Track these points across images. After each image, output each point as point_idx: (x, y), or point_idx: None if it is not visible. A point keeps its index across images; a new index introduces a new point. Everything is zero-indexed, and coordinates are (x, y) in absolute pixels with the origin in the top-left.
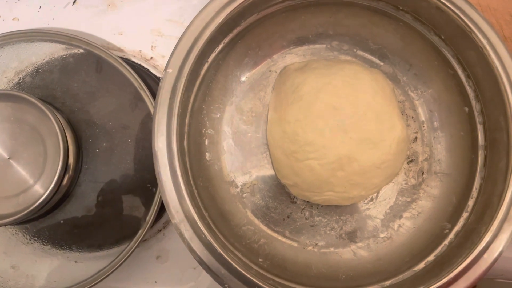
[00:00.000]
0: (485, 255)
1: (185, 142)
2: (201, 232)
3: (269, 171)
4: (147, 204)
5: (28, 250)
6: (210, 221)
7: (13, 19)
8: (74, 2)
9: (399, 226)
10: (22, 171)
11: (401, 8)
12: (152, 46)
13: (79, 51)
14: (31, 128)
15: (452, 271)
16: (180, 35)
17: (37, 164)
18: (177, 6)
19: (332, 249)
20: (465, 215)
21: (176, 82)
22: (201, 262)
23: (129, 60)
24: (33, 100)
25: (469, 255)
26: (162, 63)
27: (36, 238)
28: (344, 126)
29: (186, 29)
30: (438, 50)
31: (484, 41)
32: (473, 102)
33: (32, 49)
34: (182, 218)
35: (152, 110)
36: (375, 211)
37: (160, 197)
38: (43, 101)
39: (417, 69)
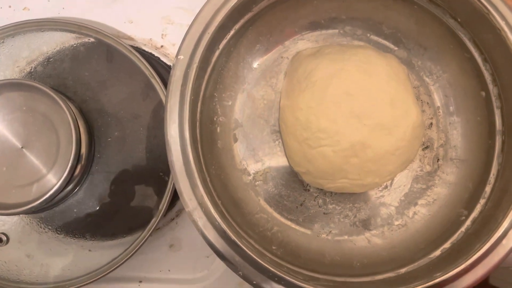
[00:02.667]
0: (504, 241)
1: (197, 130)
2: (214, 219)
3: (282, 159)
4: (160, 193)
5: (43, 239)
6: (223, 209)
7: (23, 9)
8: None
9: (414, 213)
10: (35, 160)
11: None
12: (162, 34)
13: (89, 40)
14: (43, 117)
15: (469, 258)
16: (191, 22)
17: (50, 153)
18: None
19: (346, 237)
20: (482, 201)
21: (188, 69)
22: (215, 250)
23: (139, 48)
24: (45, 89)
25: (487, 241)
26: (172, 51)
27: (50, 227)
28: (358, 112)
29: (196, 15)
30: (454, 33)
31: (502, 23)
32: (490, 86)
33: (43, 39)
34: (195, 206)
35: (163, 99)
36: (390, 198)
37: (173, 185)
38: (55, 90)
39: (432, 53)
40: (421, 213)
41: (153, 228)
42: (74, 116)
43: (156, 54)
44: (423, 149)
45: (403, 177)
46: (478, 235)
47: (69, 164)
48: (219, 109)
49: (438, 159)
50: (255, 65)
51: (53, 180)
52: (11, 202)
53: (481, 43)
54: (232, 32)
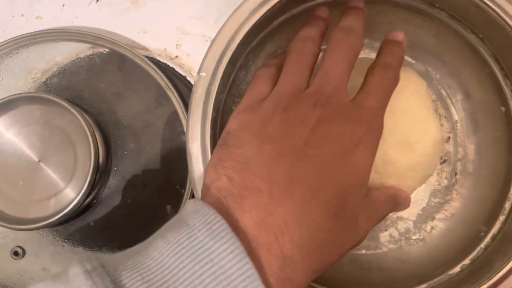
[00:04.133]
0: None
1: None
2: None
3: None
4: (176, 205)
5: (59, 252)
6: None
7: (36, 18)
8: (97, 0)
9: (432, 227)
10: (52, 174)
11: (437, 5)
12: (177, 45)
13: (104, 50)
14: (60, 130)
15: (491, 277)
16: (213, 37)
17: (67, 167)
18: (202, 4)
19: (363, 251)
20: (501, 218)
21: (210, 86)
22: None
23: (154, 59)
24: (62, 102)
25: (509, 260)
26: (187, 61)
27: (67, 241)
28: None
29: (219, 31)
30: (474, 48)
31: None
32: (510, 102)
33: (58, 49)
34: None
35: (179, 110)
36: (407, 212)
37: (189, 198)
38: (72, 103)
39: (450, 68)
40: (439, 227)
41: None
42: (92, 129)
43: (171, 65)
44: (440, 163)
45: (421, 191)
46: (498, 252)
47: (88, 178)
48: None
49: (456, 174)
50: None
51: (71, 195)
52: (29, 217)
53: (502, 59)
54: (251, 46)
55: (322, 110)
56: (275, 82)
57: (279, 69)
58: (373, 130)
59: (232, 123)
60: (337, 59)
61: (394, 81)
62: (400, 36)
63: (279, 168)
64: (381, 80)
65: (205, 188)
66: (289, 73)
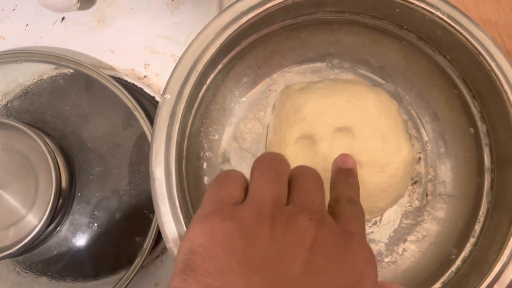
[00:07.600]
0: (496, 286)
1: (183, 168)
2: None
3: None
4: (144, 231)
5: (21, 283)
6: None
7: None
8: (62, 19)
9: (404, 250)
10: (12, 201)
11: (405, 27)
12: (145, 64)
13: (69, 71)
14: (20, 155)
15: None
16: (179, 57)
17: (28, 193)
18: (171, 22)
19: None
20: (472, 240)
21: (175, 108)
22: None
23: (121, 79)
24: (22, 127)
25: (480, 284)
26: (156, 81)
27: (28, 271)
28: (349, 149)
29: (184, 52)
30: (442, 69)
31: (492, 64)
32: (479, 124)
33: (20, 70)
34: None
35: (147, 132)
36: (379, 234)
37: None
38: (32, 127)
39: (420, 89)
40: (411, 249)
41: (138, 267)
42: (53, 154)
43: (139, 85)
44: (412, 184)
45: (392, 213)
46: (469, 276)
47: (49, 205)
48: (205, 144)
49: (427, 194)
50: (242, 98)
51: (32, 222)
52: None
53: (470, 81)
54: (219, 67)
55: (318, 227)
56: (246, 190)
57: (247, 181)
58: (373, 263)
59: (197, 235)
60: (314, 185)
61: (363, 213)
62: (349, 162)
63: None
64: (353, 211)
65: None
66: (265, 179)
